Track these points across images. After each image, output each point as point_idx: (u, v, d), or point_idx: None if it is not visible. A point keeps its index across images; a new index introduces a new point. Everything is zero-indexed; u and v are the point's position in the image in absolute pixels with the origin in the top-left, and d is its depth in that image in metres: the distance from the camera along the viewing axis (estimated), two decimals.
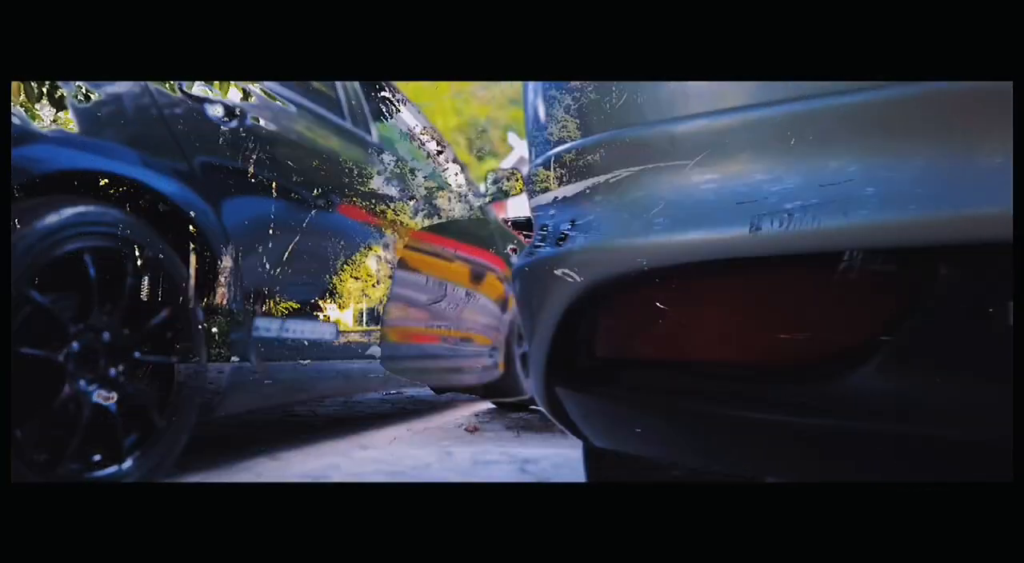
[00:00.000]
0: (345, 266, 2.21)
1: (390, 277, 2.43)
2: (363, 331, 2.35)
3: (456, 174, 3.29)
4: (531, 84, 0.64)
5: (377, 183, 2.43)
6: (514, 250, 3.68)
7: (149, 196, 1.53)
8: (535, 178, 0.55)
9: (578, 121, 0.52)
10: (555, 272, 0.49)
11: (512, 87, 35.99)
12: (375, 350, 2.43)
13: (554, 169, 0.52)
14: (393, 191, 2.51)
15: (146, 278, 1.51)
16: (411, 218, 2.60)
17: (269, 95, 1.99)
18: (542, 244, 0.53)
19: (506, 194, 3.45)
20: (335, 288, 2.17)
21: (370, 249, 2.33)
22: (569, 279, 0.48)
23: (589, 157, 0.50)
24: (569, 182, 0.51)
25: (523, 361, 3.76)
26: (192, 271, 1.63)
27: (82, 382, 1.40)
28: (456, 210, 3.12)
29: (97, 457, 1.43)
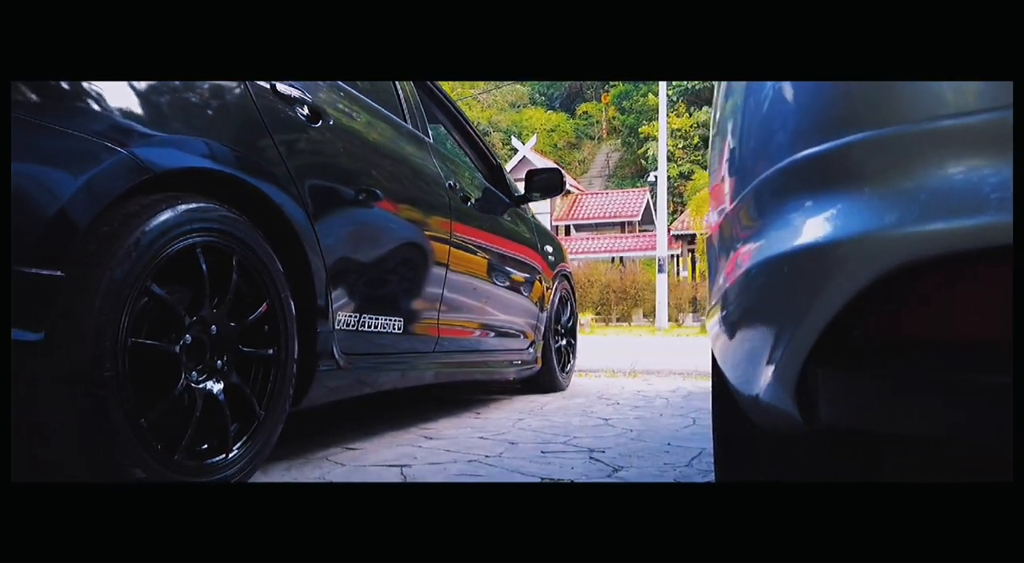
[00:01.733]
0: (410, 262, 2.27)
1: (444, 274, 2.49)
2: (424, 324, 2.40)
3: (499, 174, 3.34)
4: (767, 85, 0.68)
5: (436, 183, 2.49)
6: (551, 251, 3.74)
7: (250, 194, 1.59)
8: (790, 173, 0.60)
9: (837, 118, 0.58)
10: (830, 260, 0.54)
11: (513, 92, 36.01)
12: (431, 343, 2.48)
13: (811, 165, 0.58)
14: (449, 191, 2.57)
15: (248, 273, 1.56)
16: (463, 216, 2.65)
17: (345, 97, 2.05)
18: (799, 235, 0.58)
19: (546, 194, 3.50)
20: (401, 283, 2.23)
21: (430, 246, 2.39)
22: (849, 266, 0.53)
23: (856, 152, 0.56)
24: (829, 176, 0.57)
25: (558, 356, 3.81)
26: (285, 267, 1.68)
27: (194, 373, 1.46)
28: (499, 209, 3.17)
29: (205, 446, 1.48)
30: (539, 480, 1.70)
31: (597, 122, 35.52)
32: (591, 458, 1.97)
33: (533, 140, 28.60)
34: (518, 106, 35.89)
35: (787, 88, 0.64)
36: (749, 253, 0.68)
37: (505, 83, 30.86)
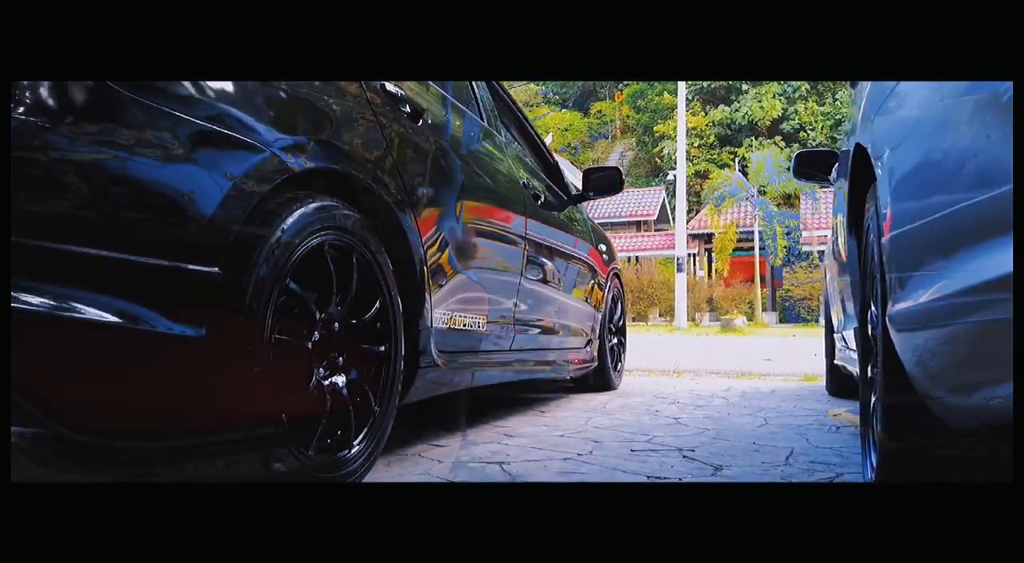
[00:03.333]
0: (493, 260, 2.28)
1: (520, 272, 2.50)
2: (503, 322, 2.42)
3: (556, 172, 3.35)
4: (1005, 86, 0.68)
5: (514, 182, 2.50)
6: (604, 250, 3.74)
7: (365, 193, 1.61)
8: None
9: None
10: None
11: (527, 91, 35.96)
12: (508, 342, 2.50)
13: None
14: (523, 189, 2.58)
15: (364, 271, 1.58)
16: (535, 215, 2.66)
17: (434, 95, 2.07)
18: None
19: (602, 193, 3.51)
20: (486, 281, 2.24)
21: (510, 244, 2.40)
22: None
23: None
24: None
25: (611, 354, 3.82)
26: (394, 264, 1.70)
27: (320, 369, 1.47)
28: (561, 207, 3.18)
29: (329, 441, 1.50)
30: (646, 478, 1.71)
31: (611, 121, 35.43)
32: (684, 457, 1.98)
33: (548, 139, 28.60)
34: (531, 105, 35.88)
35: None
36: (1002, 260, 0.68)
37: (518, 82, 30.90)
